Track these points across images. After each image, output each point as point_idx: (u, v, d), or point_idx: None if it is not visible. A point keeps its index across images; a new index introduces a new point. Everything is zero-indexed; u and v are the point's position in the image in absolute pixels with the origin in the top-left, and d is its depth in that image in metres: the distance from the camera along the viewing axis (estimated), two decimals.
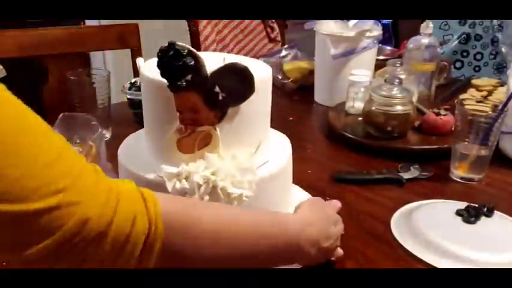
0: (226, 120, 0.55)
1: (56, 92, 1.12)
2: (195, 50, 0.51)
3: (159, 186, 0.51)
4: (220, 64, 0.53)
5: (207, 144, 0.55)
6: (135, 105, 0.97)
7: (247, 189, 0.53)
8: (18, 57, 1.10)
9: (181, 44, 0.51)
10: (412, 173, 0.82)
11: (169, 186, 0.51)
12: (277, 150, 0.63)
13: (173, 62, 0.50)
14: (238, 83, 0.54)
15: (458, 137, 0.81)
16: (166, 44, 0.50)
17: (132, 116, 1.00)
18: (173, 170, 0.52)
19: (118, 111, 1.02)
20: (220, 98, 0.53)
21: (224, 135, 0.55)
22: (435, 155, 0.87)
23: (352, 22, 1.12)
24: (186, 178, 0.52)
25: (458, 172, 0.82)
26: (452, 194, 0.78)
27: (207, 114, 0.54)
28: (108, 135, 0.93)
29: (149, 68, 0.55)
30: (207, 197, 0.52)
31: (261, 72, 0.58)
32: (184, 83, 0.51)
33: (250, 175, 0.54)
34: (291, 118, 1.10)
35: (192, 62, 0.51)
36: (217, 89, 0.53)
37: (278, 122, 1.11)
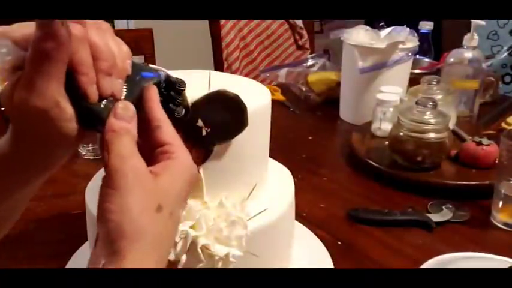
0: (211, 159, 0.46)
1: None
2: (172, 75, 0.42)
3: None
4: (204, 91, 0.44)
5: None
6: None
7: (236, 247, 0.44)
8: None
9: (155, 67, 0.42)
10: (444, 214, 0.70)
11: None
12: (277, 192, 0.53)
13: None
14: (226, 115, 0.45)
15: (502, 174, 0.69)
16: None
17: None
18: None
19: None
20: (204, 133, 0.44)
21: (210, 177, 0.46)
22: (473, 193, 0.75)
23: (384, 32, 1.01)
24: None
25: (500, 216, 0.69)
26: (494, 244, 0.66)
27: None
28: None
29: None
30: (184, 258, 0.43)
31: (257, 99, 0.48)
32: None
33: (240, 229, 0.45)
34: (310, 137, 1.00)
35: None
36: (200, 122, 0.44)
37: (296, 141, 1.04)
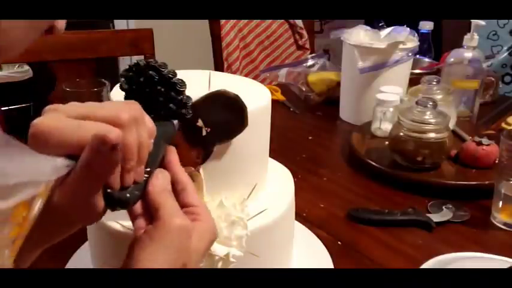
0: (211, 159, 0.46)
1: (63, 99, 1.07)
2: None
3: (124, 239, 0.43)
4: (204, 91, 0.44)
5: None
6: None
7: (236, 247, 0.44)
8: (26, 62, 1.05)
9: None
10: (444, 214, 0.70)
11: None
12: (277, 192, 0.53)
13: (144, 90, 0.42)
14: (226, 115, 0.45)
15: (502, 174, 0.68)
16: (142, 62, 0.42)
17: None
18: None
19: None
20: (204, 133, 0.44)
21: (210, 178, 0.46)
22: (473, 193, 0.75)
23: (384, 32, 1.01)
24: None
25: (501, 216, 0.69)
26: (494, 244, 0.66)
27: (188, 153, 0.45)
28: None
29: (120, 92, 0.45)
30: None
31: (257, 99, 0.48)
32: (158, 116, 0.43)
33: (240, 229, 0.45)
34: (310, 137, 1.00)
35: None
36: (200, 122, 0.44)
37: (296, 141, 1.04)
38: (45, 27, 0.36)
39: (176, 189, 0.37)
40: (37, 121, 0.31)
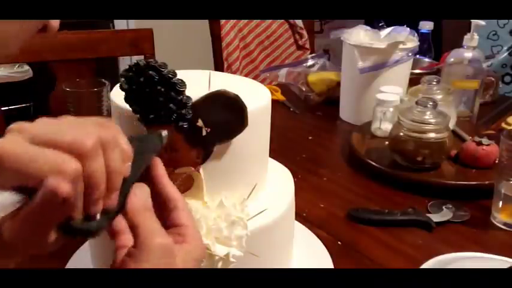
0: (211, 159, 0.46)
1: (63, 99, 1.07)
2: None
3: None
4: (204, 91, 0.44)
5: (188, 189, 0.46)
6: None
7: (236, 247, 0.44)
8: (26, 62, 1.05)
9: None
10: (444, 214, 0.70)
11: None
12: (277, 192, 0.53)
13: (144, 90, 0.42)
14: (226, 115, 0.45)
15: (502, 174, 0.68)
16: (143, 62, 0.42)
17: None
18: None
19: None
20: (204, 133, 0.44)
21: (210, 177, 0.46)
22: (473, 193, 0.75)
23: (384, 32, 1.01)
24: None
25: (501, 216, 0.69)
26: (494, 244, 0.66)
27: (188, 153, 0.45)
28: None
29: (120, 92, 0.46)
30: None
31: (257, 99, 0.48)
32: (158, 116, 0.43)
33: (240, 229, 0.45)
34: (310, 137, 1.00)
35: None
36: (200, 122, 0.44)
37: (296, 141, 1.04)
38: (40, 26, 0.35)
39: (168, 207, 0.36)
40: None
